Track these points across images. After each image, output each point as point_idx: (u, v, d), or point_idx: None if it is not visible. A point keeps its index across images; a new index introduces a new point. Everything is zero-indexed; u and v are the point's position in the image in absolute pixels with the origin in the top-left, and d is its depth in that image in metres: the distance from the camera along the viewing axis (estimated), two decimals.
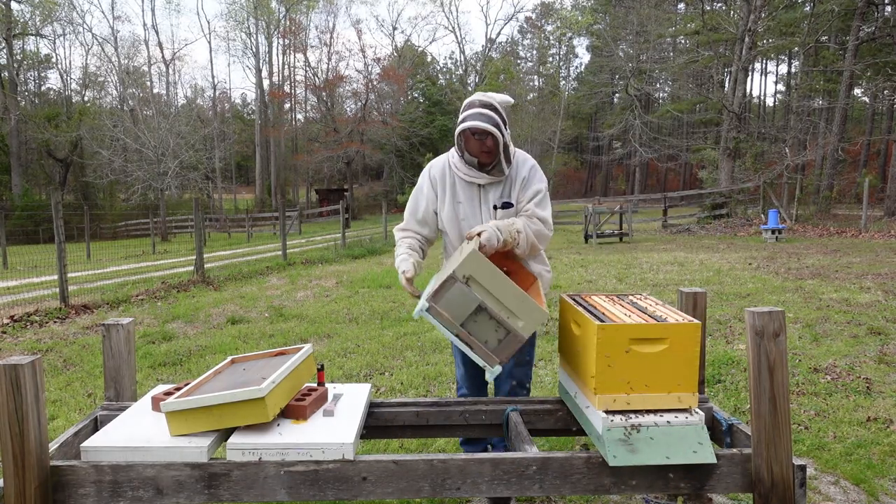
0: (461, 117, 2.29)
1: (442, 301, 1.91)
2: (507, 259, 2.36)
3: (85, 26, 45.81)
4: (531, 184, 2.36)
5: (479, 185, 2.37)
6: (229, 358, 2.26)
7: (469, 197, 2.38)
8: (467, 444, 2.68)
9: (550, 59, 55.58)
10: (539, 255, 2.49)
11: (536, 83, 51.40)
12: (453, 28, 61.44)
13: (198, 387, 1.99)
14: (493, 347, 1.93)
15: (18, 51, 38.17)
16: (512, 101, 2.38)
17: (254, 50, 44.26)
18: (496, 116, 2.24)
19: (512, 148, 2.36)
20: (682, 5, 38.30)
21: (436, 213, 2.47)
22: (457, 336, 1.92)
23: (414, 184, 2.63)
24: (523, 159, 2.41)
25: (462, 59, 50.83)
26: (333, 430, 1.90)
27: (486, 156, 2.28)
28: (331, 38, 45.23)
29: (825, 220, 18.16)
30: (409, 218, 2.52)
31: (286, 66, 48.33)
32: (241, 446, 1.81)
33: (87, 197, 35.89)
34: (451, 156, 2.44)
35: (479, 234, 2.16)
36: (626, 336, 1.82)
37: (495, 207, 2.35)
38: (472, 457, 1.82)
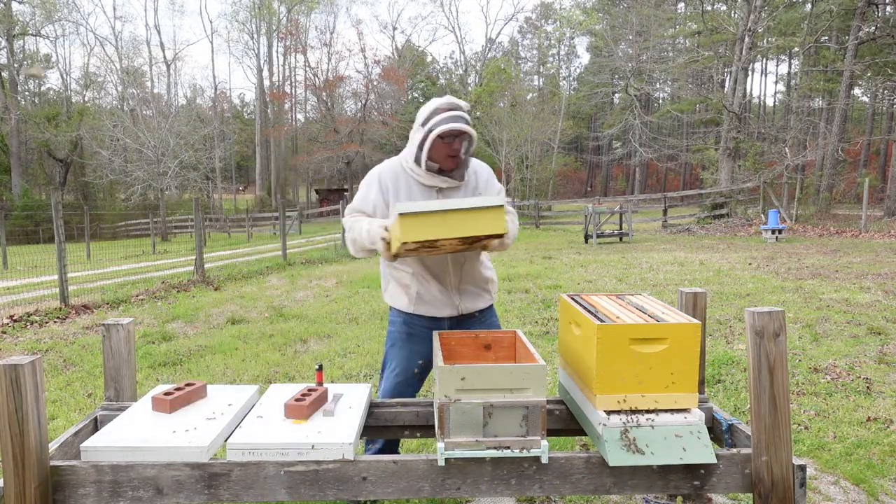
0: (433, 121, 2.16)
1: (451, 431, 1.79)
2: (477, 339, 2.29)
3: (87, 26, 45.77)
4: (493, 186, 2.32)
5: (438, 189, 2.29)
6: None
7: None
8: (372, 444, 2.54)
9: (551, 59, 55.61)
10: (487, 260, 2.48)
11: (537, 83, 51.40)
12: (453, 28, 61.71)
13: None
14: (525, 431, 1.80)
15: (19, 50, 38.20)
16: (468, 106, 2.29)
17: (255, 50, 44.33)
18: (469, 118, 2.20)
19: None
20: (682, 5, 38.31)
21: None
22: (489, 449, 1.80)
23: None
24: (479, 165, 2.38)
25: (462, 59, 50.84)
26: (333, 430, 1.90)
27: (452, 161, 2.21)
28: (331, 38, 45.32)
29: (825, 220, 18.17)
30: (355, 209, 2.38)
31: (286, 67, 48.40)
32: (241, 446, 1.81)
33: (86, 197, 35.95)
34: (405, 160, 2.33)
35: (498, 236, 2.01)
36: (626, 336, 1.81)
37: None
38: (472, 457, 1.82)
